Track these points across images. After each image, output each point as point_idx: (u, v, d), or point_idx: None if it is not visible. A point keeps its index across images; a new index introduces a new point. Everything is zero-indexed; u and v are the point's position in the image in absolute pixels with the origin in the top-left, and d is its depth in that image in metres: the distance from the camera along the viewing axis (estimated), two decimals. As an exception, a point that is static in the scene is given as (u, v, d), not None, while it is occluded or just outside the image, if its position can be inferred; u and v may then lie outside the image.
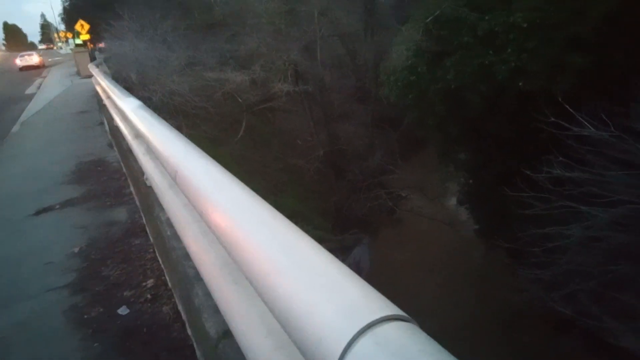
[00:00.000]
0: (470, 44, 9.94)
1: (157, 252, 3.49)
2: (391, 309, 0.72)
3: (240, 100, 13.58)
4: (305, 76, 15.16)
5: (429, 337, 0.69)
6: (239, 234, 1.16)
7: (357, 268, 14.11)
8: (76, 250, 3.65)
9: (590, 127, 6.31)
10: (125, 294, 3.03)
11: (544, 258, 6.17)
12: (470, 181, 12.59)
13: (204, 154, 1.83)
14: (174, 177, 1.80)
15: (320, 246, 0.98)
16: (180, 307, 2.72)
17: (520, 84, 8.86)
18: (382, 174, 14.13)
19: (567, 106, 6.53)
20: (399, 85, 11.61)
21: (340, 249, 13.60)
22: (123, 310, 2.80)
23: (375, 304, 0.73)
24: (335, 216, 14.00)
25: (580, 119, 6.42)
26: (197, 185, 1.53)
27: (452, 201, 13.79)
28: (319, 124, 14.94)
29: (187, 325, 2.55)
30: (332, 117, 15.66)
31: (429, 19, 10.87)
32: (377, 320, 0.68)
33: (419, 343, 0.65)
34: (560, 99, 6.76)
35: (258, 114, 14.77)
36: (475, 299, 9.82)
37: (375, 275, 13.79)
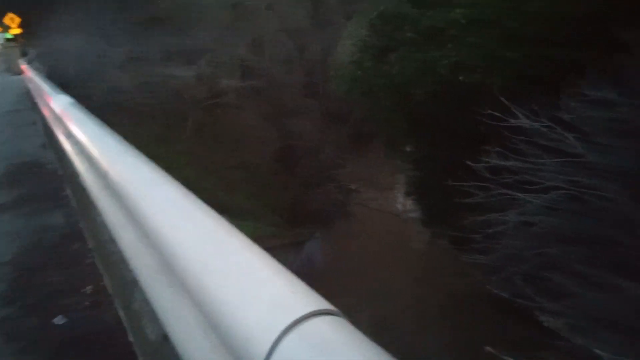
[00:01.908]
0: (413, 39, 10.22)
1: (96, 257, 3.36)
2: (319, 303, 0.72)
3: (186, 96, 13.24)
4: (254, 72, 14.99)
5: (356, 330, 0.70)
6: (168, 234, 1.15)
7: (310, 262, 14.20)
8: (7, 258, 3.44)
9: (524, 118, 6.68)
10: (62, 302, 2.89)
11: (484, 244, 6.49)
12: (417, 172, 12.96)
13: (136, 152, 1.78)
14: (105, 178, 1.73)
15: (251, 243, 0.99)
16: (121, 314, 2.64)
17: (460, 78, 9.21)
18: (333, 168, 14.28)
19: (503, 99, 6.87)
20: (346, 80, 11.76)
21: (293, 244, 13.63)
22: (59, 320, 2.67)
23: (303, 300, 0.73)
24: (288, 212, 14.00)
25: (515, 111, 6.77)
26: (128, 186, 1.48)
27: (400, 192, 14.16)
28: (270, 120, 14.86)
29: (128, 331, 2.48)
30: (282, 112, 15.60)
31: (374, 15, 11.06)
32: (303, 316, 0.67)
33: (345, 337, 0.65)
34: (496, 92, 7.10)
35: (207, 110, 14.46)
36: (422, 285, 10.18)
37: (328, 267, 13.95)
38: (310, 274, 13.89)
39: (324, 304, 0.72)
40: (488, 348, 2.53)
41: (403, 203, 14.16)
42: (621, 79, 6.14)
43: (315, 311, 0.69)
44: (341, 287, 12.67)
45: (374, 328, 10.86)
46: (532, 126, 6.54)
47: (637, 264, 3.44)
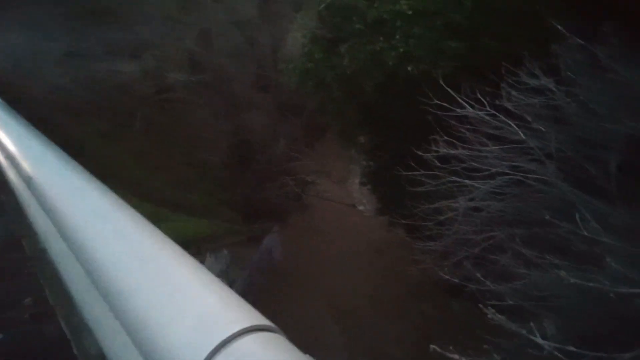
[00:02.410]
0: (362, 31, 10.28)
1: (36, 267, 3.20)
2: (252, 319, 0.68)
3: (132, 92, 12.72)
4: (203, 65, 14.62)
5: (291, 346, 0.67)
6: (94, 247, 1.09)
7: (269, 256, 14.15)
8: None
9: (469, 107, 6.92)
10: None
11: (436, 231, 6.70)
12: (370, 163, 13.17)
13: (63, 155, 1.69)
14: (28, 183, 1.63)
15: (183, 253, 0.94)
16: (63, 326, 2.52)
17: (409, 68, 9.38)
18: (287, 162, 14.23)
19: (448, 89, 7.08)
20: (298, 72, 11.69)
21: (251, 240, 13.53)
22: (-5, 336, 2.52)
23: (234, 316, 0.69)
24: (244, 207, 13.85)
25: (460, 100, 7.00)
26: (54, 193, 1.40)
27: (356, 183, 14.35)
28: (221, 115, 14.58)
29: (72, 344, 2.38)
30: (234, 107, 15.32)
31: (322, 6, 11.03)
32: (234, 334, 0.63)
33: (281, 355, 0.62)
34: (442, 82, 7.30)
35: (155, 106, 13.97)
36: (379, 274, 10.42)
37: (287, 261, 13.97)
38: (270, 269, 13.86)
39: (259, 319, 0.69)
40: (433, 346, 2.61)
41: (358, 193, 14.36)
42: (557, 68, 6.49)
43: (247, 328, 0.65)
44: (300, 279, 12.76)
45: (331, 317, 11.03)
46: (477, 115, 6.78)
47: (570, 244, 3.67)
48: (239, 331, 0.64)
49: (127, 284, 0.89)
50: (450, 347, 3.12)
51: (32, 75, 10.55)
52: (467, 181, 6.49)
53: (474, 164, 6.38)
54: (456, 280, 5.04)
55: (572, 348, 2.07)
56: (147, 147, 12.57)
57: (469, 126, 6.89)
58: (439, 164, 7.06)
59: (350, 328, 10.65)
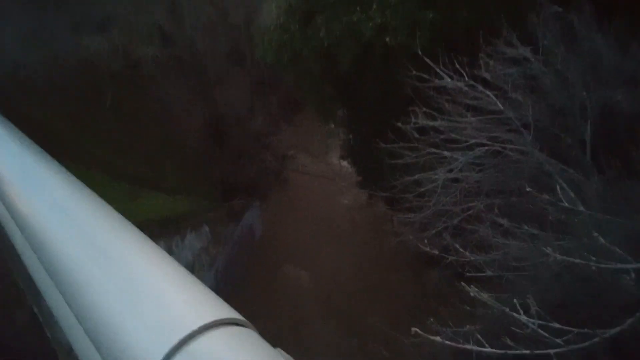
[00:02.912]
0: (338, 1, 10.04)
1: (3, 249, 3.08)
2: (216, 313, 0.60)
3: (101, 69, 12.22)
4: (173, 39, 14.12)
5: (261, 340, 0.61)
6: (43, 231, 1.00)
7: (251, 232, 14.14)
8: None
9: (447, 78, 6.87)
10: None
11: (415, 203, 6.74)
12: (350, 136, 13.11)
13: (14, 130, 1.56)
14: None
15: (146, 241, 0.85)
16: (35, 311, 2.44)
17: (386, 39, 9.24)
18: (266, 137, 14.07)
19: (427, 59, 7.00)
20: (273, 45, 11.39)
21: (231, 216, 13.45)
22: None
23: (197, 310, 0.61)
24: (223, 184, 13.70)
25: (438, 71, 6.94)
26: (5, 174, 1.30)
27: (335, 157, 14.31)
28: (195, 91, 14.20)
29: (45, 330, 2.30)
30: (208, 82, 14.94)
31: (296, -25, 10.69)
32: (196, 331, 0.56)
33: (245, 350, 0.56)
34: (420, 53, 7.21)
35: (125, 83, 13.48)
36: (360, 247, 10.54)
37: (269, 236, 13.99)
38: (251, 244, 13.86)
39: (225, 312, 0.61)
40: (415, 329, 2.62)
41: (338, 167, 14.34)
42: (534, 37, 6.47)
43: (211, 323, 0.57)
44: (283, 254, 12.82)
45: (312, 289, 11.18)
46: (455, 85, 6.75)
47: (547, 214, 3.72)
48: (201, 327, 0.56)
49: (78, 273, 0.82)
50: (430, 319, 3.14)
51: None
52: (446, 153, 6.50)
53: (453, 135, 6.38)
54: (435, 252, 5.09)
55: (556, 325, 2.10)
56: (119, 126, 12.19)
57: (447, 97, 6.86)
58: (418, 136, 7.05)
59: (331, 300, 10.84)
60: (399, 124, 7.38)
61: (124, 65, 12.78)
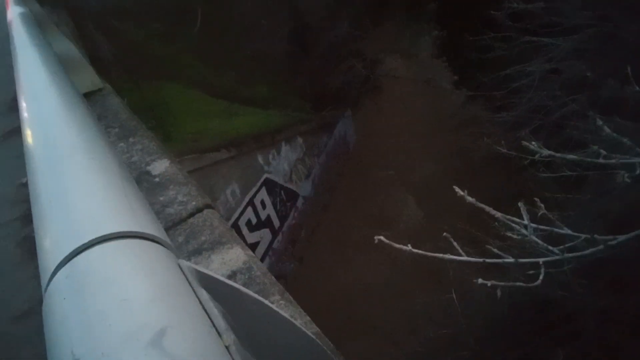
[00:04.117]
0: None
1: None
2: (122, 225, 0.60)
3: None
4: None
5: (167, 255, 0.58)
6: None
7: (344, 142, 14.28)
8: (24, 180, 3.64)
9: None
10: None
11: (510, 100, 6.13)
12: (443, 32, 12.03)
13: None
14: None
15: (99, 149, 0.88)
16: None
17: None
18: (352, 42, 13.46)
19: None
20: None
21: (323, 127, 13.60)
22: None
23: (102, 221, 0.61)
24: (313, 95, 13.71)
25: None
26: None
27: (427, 56, 13.34)
28: (275, 2, 13.83)
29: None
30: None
31: None
32: (93, 240, 0.56)
33: (140, 264, 0.54)
34: None
35: (212, 1, 13.58)
36: (454, 150, 10.11)
37: (362, 145, 14.02)
38: (344, 153, 14.08)
39: (134, 226, 0.63)
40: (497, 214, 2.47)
41: (431, 67, 13.41)
42: None
43: (113, 234, 0.57)
44: (377, 161, 12.87)
45: (403, 190, 11.27)
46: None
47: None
48: (99, 237, 0.57)
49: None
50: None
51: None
52: (545, 39, 5.68)
53: (553, 18, 5.50)
54: (517, 154, 4.66)
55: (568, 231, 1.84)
56: (209, 44, 12.53)
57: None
58: (512, 24, 6.22)
59: (420, 201, 10.88)
60: (492, 11, 6.54)
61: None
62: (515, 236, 1.98)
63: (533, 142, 1.92)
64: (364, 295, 9.12)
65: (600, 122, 1.86)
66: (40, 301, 0.58)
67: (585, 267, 2.37)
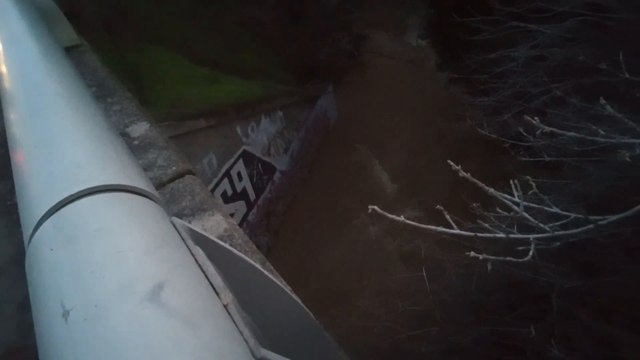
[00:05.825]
0: None
1: None
2: (109, 178, 0.60)
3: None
4: None
5: (157, 210, 0.58)
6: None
7: (325, 116, 14.19)
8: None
9: None
10: None
11: (492, 85, 6.17)
12: (432, 11, 11.92)
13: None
14: None
15: (81, 97, 0.85)
16: None
17: None
18: (341, 16, 13.24)
19: None
20: None
21: (305, 100, 13.47)
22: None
23: (93, 174, 0.62)
24: (298, 67, 13.51)
25: None
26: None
27: (414, 37, 13.26)
28: (267, -34, 13.42)
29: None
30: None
31: None
32: (80, 192, 0.55)
33: (131, 216, 0.53)
34: None
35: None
36: (434, 131, 10.20)
37: (343, 120, 13.98)
38: (325, 129, 14.03)
39: (124, 179, 0.61)
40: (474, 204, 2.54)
41: (416, 47, 13.36)
42: None
43: (101, 187, 0.56)
44: (357, 138, 12.88)
45: (395, 165, 11.39)
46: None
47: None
48: (90, 188, 0.55)
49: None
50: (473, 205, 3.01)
51: None
52: (532, 25, 5.69)
53: (542, 4, 5.50)
54: (496, 136, 4.73)
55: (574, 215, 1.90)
56: (196, 7, 12.14)
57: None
58: (502, 7, 6.21)
59: (398, 180, 11.02)
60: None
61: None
62: (506, 213, 2.02)
63: (535, 118, 1.95)
64: (341, 269, 9.28)
65: (603, 101, 1.89)
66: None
67: (554, 250, 2.44)
